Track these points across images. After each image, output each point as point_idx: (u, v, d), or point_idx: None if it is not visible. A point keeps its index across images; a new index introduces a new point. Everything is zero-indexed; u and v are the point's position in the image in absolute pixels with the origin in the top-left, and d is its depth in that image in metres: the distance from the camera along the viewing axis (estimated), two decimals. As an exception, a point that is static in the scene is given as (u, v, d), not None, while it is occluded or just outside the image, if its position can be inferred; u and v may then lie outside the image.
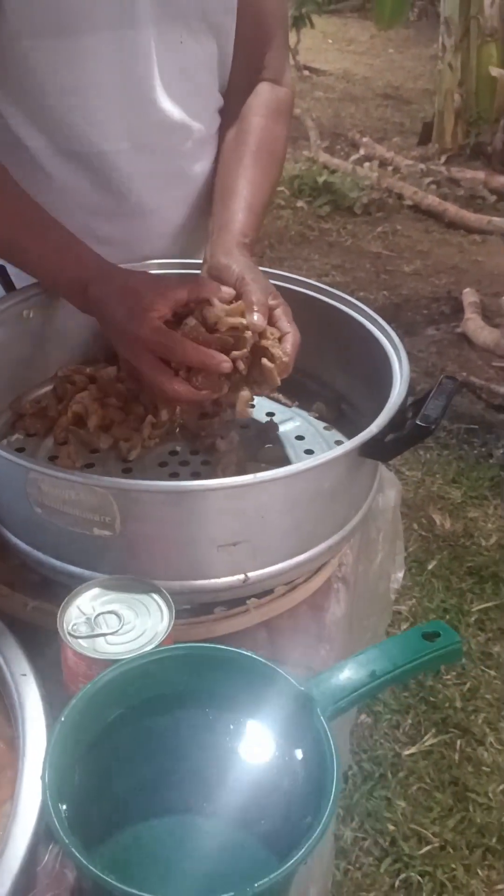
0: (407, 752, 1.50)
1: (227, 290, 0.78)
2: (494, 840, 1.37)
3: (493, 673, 1.67)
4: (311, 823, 0.44)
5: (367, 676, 0.52)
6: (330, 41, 8.24)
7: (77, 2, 0.81)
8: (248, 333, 0.75)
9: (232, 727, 0.52)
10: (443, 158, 4.95)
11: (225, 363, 0.73)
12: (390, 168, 4.79)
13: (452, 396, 0.72)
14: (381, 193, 4.38)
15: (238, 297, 0.78)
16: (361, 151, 5.00)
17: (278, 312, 0.79)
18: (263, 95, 0.96)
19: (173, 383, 0.73)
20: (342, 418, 0.91)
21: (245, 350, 0.75)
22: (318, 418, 0.91)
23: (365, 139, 5.20)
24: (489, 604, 1.83)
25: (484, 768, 1.48)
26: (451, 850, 1.35)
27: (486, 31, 4.81)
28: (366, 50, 8.22)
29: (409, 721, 1.56)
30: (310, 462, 0.65)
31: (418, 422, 0.67)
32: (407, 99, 6.79)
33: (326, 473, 0.68)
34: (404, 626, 1.77)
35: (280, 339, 0.77)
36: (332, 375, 0.94)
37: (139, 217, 0.96)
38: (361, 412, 0.87)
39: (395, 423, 0.71)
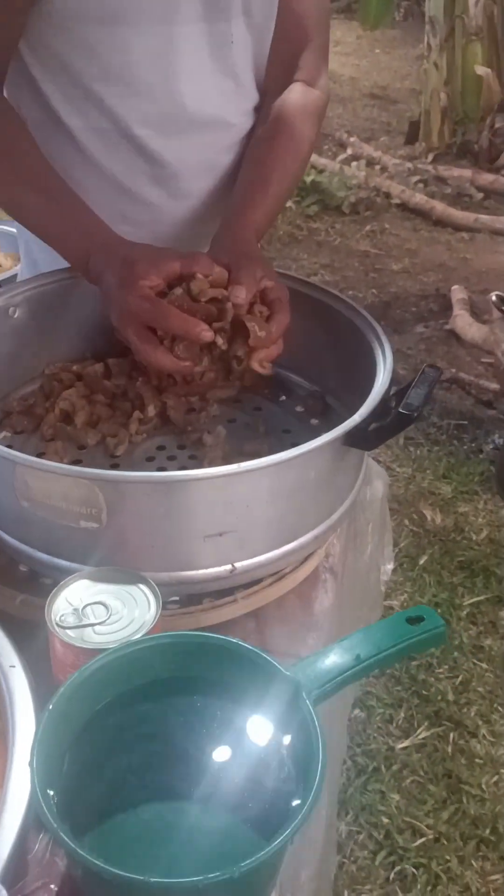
0: (400, 746, 1.51)
1: (219, 269, 0.79)
2: (488, 831, 1.37)
3: (484, 666, 1.68)
4: (297, 805, 0.45)
5: (352, 660, 0.53)
6: (316, 42, 8.24)
7: None
8: (229, 305, 0.76)
9: (219, 713, 0.53)
10: (430, 157, 4.97)
11: (206, 332, 0.75)
12: (378, 167, 4.81)
13: (434, 384, 0.72)
14: (369, 192, 4.39)
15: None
16: (349, 151, 5.01)
17: (272, 294, 0.80)
18: (295, 95, 0.97)
19: (157, 352, 0.76)
20: (329, 412, 0.91)
21: (224, 322, 0.77)
22: (304, 412, 0.91)
23: (352, 139, 5.22)
24: (480, 597, 1.84)
25: (477, 760, 1.49)
26: (445, 842, 1.36)
27: (471, 30, 4.83)
28: (352, 51, 8.24)
29: (402, 715, 1.57)
30: (294, 451, 0.66)
31: (401, 410, 0.68)
32: (394, 99, 6.82)
33: (311, 462, 0.68)
34: (396, 620, 1.77)
35: (267, 319, 0.78)
36: (318, 369, 0.94)
37: (168, 203, 0.98)
38: (348, 405, 0.87)
39: (379, 412, 0.71)
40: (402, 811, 1.40)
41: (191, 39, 0.88)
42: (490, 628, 1.78)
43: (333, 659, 0.53)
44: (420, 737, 1.53)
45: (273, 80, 0.97)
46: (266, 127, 0.96)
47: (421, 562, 1.95)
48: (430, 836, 1.36)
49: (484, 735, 1.54)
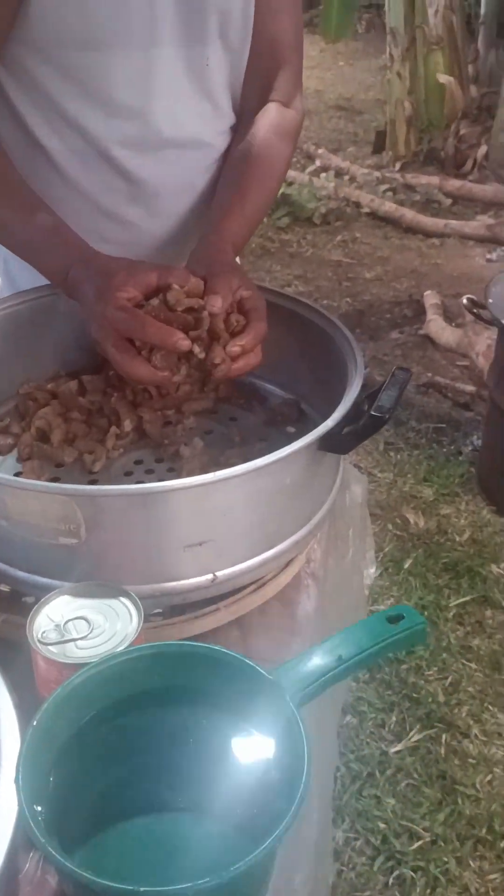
0: (394, 750, 1.51)
1: (195, 279, 0.80)
2: (484, 831, 1.38)
3: (473, 666, 1.69)
4: (284, 808, 0.45)
5: (334, 661, 0.53)
6: (280, 57, 8.32)
7: (101, 18, 0.84)
8: (205, 314, 0.77)
9: (204, 721, 0.53)
10: (397, 165, 5.03)
11: (182, 341, 0.75)
12: (347, 177, 4.86)
13: (405, 386, 0.73)
14: (339, 203, 4.44)
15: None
16: (317, 163, 5.06)
17: (249, 304, 0.81)
18: (270, 115, 0.98)
19: (135, 362, 0.76)
20: (304, 419, 0.92)
21: (201, 331, 0.77)
22: (280, 420, 0.92)
23: (320, 150, 5.27)
24: (466, 598, 1.85)
25: (470, 760, 1.49)
26: (442, 844, 1.36)
27: (431, 39, 4.91)
28: (316, 63, 8.33)
29: (394, 718, 1.57)
30: (269, 458, 0.66)
31: (373, 412, 0.69)
32: (359, 109, 6.90)
33: (286, 468, 0.69)
34: (384, 625, 1.78)
35: (244, 328, 0.80)
36: (293, 378, 0.95)
37: (146, 222, 0.99)
38: (323, 412, 0.87)
39: (352, 416, 0.72)
40: (399, 815, 1.40)
41: (168, 62, 0.90)
42: (477, 628, 1.79)
43: (316, 661, 0.53)
44: (413, 740, 1.53)
45: (249, 100, 0.99)
46: (242, 146, 0.98)
47: (406, 565, 1.96)
48: (427, 839, 1.36)
49: (476, 735, 1.54)
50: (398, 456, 2.41)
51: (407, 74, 4.94)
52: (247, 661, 0.52)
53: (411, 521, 2.12)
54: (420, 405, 2.66)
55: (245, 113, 1.00)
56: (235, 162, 0.98)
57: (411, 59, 4.93)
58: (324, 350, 0.87)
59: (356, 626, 0.56)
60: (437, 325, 2.96)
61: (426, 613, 1.81)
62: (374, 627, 0.56)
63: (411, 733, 1.54)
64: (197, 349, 0.78)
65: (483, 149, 4.90)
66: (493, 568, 1.94)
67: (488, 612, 1.82)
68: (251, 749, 0.51)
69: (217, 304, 0.77)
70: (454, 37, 5.00)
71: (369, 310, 3.41)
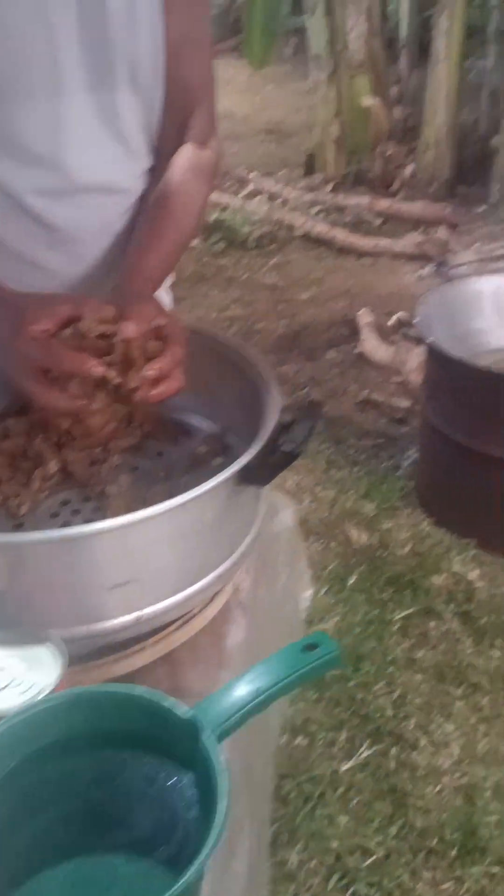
0: (344, 768, 1.53)
1: (109, 307, 0.80)
2: (435, 841, 1.40)
3: (419, 677, 1.72)
4: (201, 841, 0.46)
5: (253, 693, 0.55)
6: (210, 83, 8.44)
7: (2, 68, 0.84)
8: (118, 339, 0.78)
9: (127, 761, 0.54)
10: (328, 187, 5.14)
11: (95, 367, 0.76)
12: (279, 201, 4.94)
13: (318, 419, 0.76)
14: (272, 226, 4.51)
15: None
16: (250, 187, 5.14)
17: (166, 330, 0.82)
18: (186, 155, 1.00)
19: (51, 392, 0.78)
20: (230, 450, 0.94)
21: (114, 355, 0.78)
22: (207, 453, 0.94)
23: (252, 174, 5.35)
24: (410, 610, 1.89)
25: (419, 772, 1.52)
26: (395, 858, 1.38)
27: (354, 64, 5.05)
28: (245, 88, 8.47)
29: (344, 736, 1.59)
30: (188, 495, 0.68)
31: (283, 448, 0.71)
32: (289, 133, 7.03)
33: (206, 504, 0.71)
34: (331, 643, 1.80)
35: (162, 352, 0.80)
36: (217, 410, 0.97)
37: (65, 268, 0.99)
38: (248, 442, 0.90)
39: (269, 449, 0.74)
40: (351, 832, 1.42)
41: (77, 110, 0.91)
42: (422, 639, 1.82)
43: (234, 694, 0.55)
44: (363, 756, 1.55)
45: (166, 143, 1.01)
46: (159, 187, 0.99)
47: (350, 582, 1.99)
48: (381, 854, 1.38)
49: (424, 746, 1.57)
50: (339, 473, 2.45)
51: (332, 98, 5.07)
52: (161, 700, 0.53)
53: (354, 537, 2.15)
54: (359, 422, 2.71)
55: (163, 154, 1.02)
56: (152, 202, 1.00)
57: (336, 83, 5.05)
58: (243, 381, 0.89)
59: (273, 656, 0.58)
60: (371, 344, 3.02)
61: (372, 628, 1.85)
62: (290, 657, 0.58)
63: (361, 749, 1.56)
64: (111, 374, 0.78)
65: (410, 168, 5.04)
66: (435, 579, 1.98)
67: (432, 624, 1.86)
68: (172, 786, 0.52)
69: (130, 328, 0.78)
70: (376, 60, 5.15)
71: (305, 331, 3.46)
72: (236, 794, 0.67)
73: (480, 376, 1.90)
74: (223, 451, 0.94)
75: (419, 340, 2.03)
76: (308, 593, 1.17)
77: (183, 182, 0.99)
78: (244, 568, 0.83)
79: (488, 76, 5.76)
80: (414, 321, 2.00)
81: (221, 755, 0.50)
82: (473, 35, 7.28)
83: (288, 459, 0.72)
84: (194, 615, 0.75)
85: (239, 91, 8.43)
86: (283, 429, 0.77)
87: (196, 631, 0.75)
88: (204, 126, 1.02)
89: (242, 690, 0.55)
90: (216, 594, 0.77)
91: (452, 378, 2.00)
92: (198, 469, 0.90)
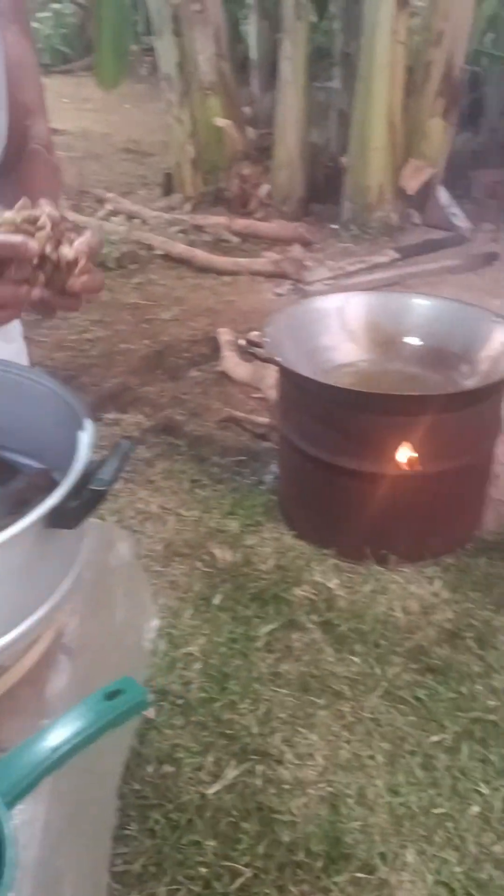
0: (212, 791, 1.53)
1: (23, 200, 0.80)
2: (302, 854, 1.42)
3: (284, 691, 1.75)
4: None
5: (50, 751, 0.54)
6: (65, 101, 8.34)
7: None
8: (45, 219, 0.77)
9: None
10: (187, 207, 5.18)
11: (31, 243, 0.75)
12: (138, 220, 4.93)
13: (128, 457, 0.75)
14: (132, 246, 4.49)
15: None
16: (108, 207, 5.10)
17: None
18: (36, 159, 1.04)
19: None
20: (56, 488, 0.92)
21: (45, 231, 0.77)
22: (33, 492, 0.91)
23: (110, 194, 5.32)
24: (274, 625, 1.92)
25: (285, 786, 1.54)
26: (263, 876, 1.38)
27: (204, 85, 5.12)
28: (102, 107, 8.41)
29: (211, 759, 1.59)
30: (-11, 544, 0.66)
31: (92, 486, 0.70)
32: (147, 152, 7.04)
33: (13, 551, 0.69)
34: (196, 665, 1.80)
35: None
36: (41, 448, 0.95)
37: None
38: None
39: (79, 489, 0.73)
40: (220, 856, 1.42)
41: None
42: (286, 653, 1.85)
43: (30, 753, 0.53)
44: (229, 777, 1.55)
45: (12, 152, 1.05)
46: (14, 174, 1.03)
47: (215, 601, 1.99)
48: (249, 874, 1.39)
49: (290, 760, 1.59)
50: (204, 492, 2.45)
51: (186, 118, 5.11)
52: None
53: (218, 555, 2.16)
54: (221, 440, 2.74)
55: (8, 163, 1.05)
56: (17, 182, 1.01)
57: (188, 104, 5.11)
58: (59, 420, 0.87)
59: (75, 708, 0.57)
60: (231, 361, 3.06)
61: (237, 646, 1.86)
62: (93, 707, 0.57)
63: (227, 770, 1.56)
64: (49, 247, 0.76)
65: (265, 188, 5.16)
66: (297, 591, 2.02)
67: (295, 636, 1.90)
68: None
69: (51, 207, 0.77)
70: (226, 81, 5.24)
71: (168, 350, 3.47)
72: (56, 845, 0.66)
73: (327, 392, 1.97)
74: (50, 489, 0.92)
75: (266, 361, 2.07)
76: (153, 624, 1.16)
77: (40, 185, 1.01)
78: (68, 610, 0.81)
79: (336, 98, 6.00)
80: (263, 341, 2.04)
81: (10, 823, 0.48)
82: (323, 58, 7.57)
83: (96, 499, 0.71)
84: (9, 667, 0.72)
85: (95, 110, 8.37)
86: (93, 467, 0.76)
87: (14, 681, 0.72)
88: (43, 131, 1.09)
89: (38, 749, 0.54)
90: (35, 640, 0.75)
91: (302, 394, 2.05)
92: (23, 510, 0.88)
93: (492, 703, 1.71)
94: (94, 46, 4.82)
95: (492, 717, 1.67)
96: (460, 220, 5.00)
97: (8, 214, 0.78)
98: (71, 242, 0.79)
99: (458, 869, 1.40)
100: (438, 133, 4.99)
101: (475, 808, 1.50)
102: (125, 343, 3.52)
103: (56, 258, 0.78)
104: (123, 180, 6.05)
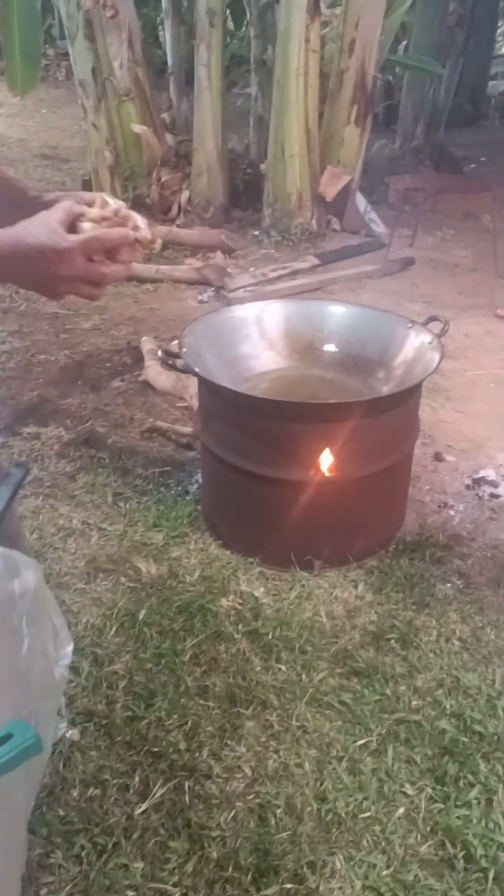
0: (139, 811, 1.50)
1: (90, 195, 1.02)
2: (232, 869, 1.41)
3: (211, 704, 1.73)
4: None
5: None
6: (-21, 106, 8.17)
7: None
8: (125, 211, 1.01)
9: None
10: (106, 213, 5.12)
11: (131, 231, 0.99)
12: (56, 228, 4.84)
13: (20, 484, 0.73)
14: (50, 254, 4.41)
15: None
16: (25, 214, 5.00)
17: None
18: None
19: (110, 268, 0.97)
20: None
21: (134, 217, 1.01)
22: None
23: (27, 201, 5.21)
24: (200, 637, 1.90)
25: (213, 801, 1.53)
26: (192, 895, 1.37)
27: (120, 91, 5.08)
28: (17, 112, 8.27)
29: (137, 779, 1.57)
30: None
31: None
32: (65, 158, 6.94)
33: None
34: (122, 683, 1.77)
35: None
36: None
37: None
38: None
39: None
40: (148, 877, 1.39)
41: None
42: (213, 665, 1.84)
43: None
44: (157, 795, 1.53)
45: None
46: None
47: (140, 616, 1.97)
48: (178, 894, 1.37)
49: (217, 773, 1.58)
50: (127, 505, 2.42)
51: (103, 124, 5.06)
52: None
53: (143, 569, 2.14)
54: (145, 451, 2.71)
55: None
56: None
57: (105, 110, 5.05)
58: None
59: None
60: (153, 371, 3.04)
61: (163, 661, 1.84)
62: (-19, 752, 0.55)
63: (155, 789, 1.54)
64: (145, 230, 1.01)
65: (185, 194, 5.15)
66: (223, 602, 2.01)
67: (222, 647, 1.89)
68: None
69: (118, 201, 1.01)
70: (142, 87, 5.21)
71: (89, 360, 3.42)
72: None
73: (245, 401, 1.97)
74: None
75: (183, 371, 2.06)
76: (69, 648, 1.13)
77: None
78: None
79: (254, 104, 6.04)
80: (182, 352, 2.03)
81: None
82: (240, 65, 7.62)
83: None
84: None
85: (11, 114, 8.22)
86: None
87: None
88: None
89: None
90: None
91: (221, 404, 2.05)
92: None
93: (415, 703, 1.74)
94: (4, 51, 4.72)
95: (415, 717, 1.69)
96: (378, 226, 5.10)
97: (94, 211, 0.99)
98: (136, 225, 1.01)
99: (385, 872, 1.41)
100: (354, 140, 5.08)
101: (401, 810, 1.52)
102: (44, 354, 3.45)
103: (143, 238, 1.01)
104: (41, 186, 5.94)
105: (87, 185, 5.38)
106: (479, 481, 2.57)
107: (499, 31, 12.84)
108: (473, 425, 2.95)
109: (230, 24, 7.57)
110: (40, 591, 1.02)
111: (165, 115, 6.20)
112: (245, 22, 6.04)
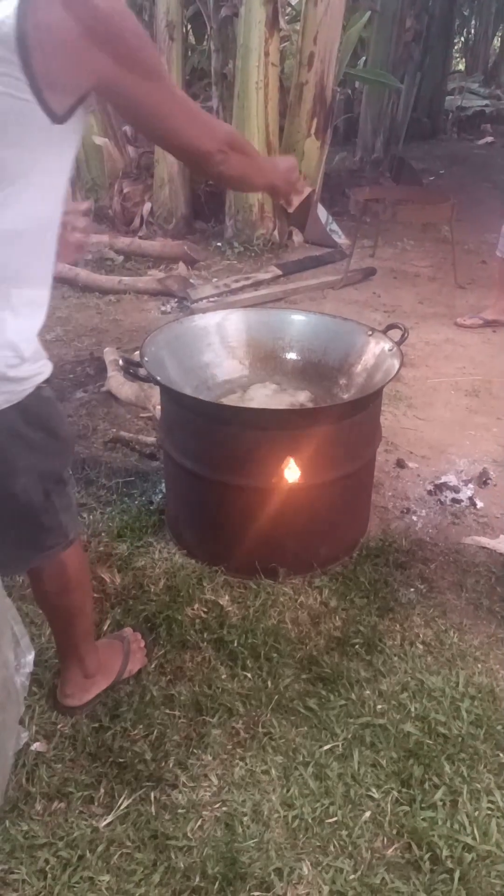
0: (104, 823, 1.49)
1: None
2: (198, 878, 1.40)
3: (177, 713, 1.73)
4: None
5: None
6: None
7: None
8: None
9: None
10: (68, 225, 5.10)
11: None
12: (17, 239, 4.82)
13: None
14: (12, 265, 4.38)
15: None
16: (-15, 226, 4.96)
17: None
18: None
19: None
20: None
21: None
22: None
23: (-13, 213, 5.18)
24: (165, 647, 1.89)
25: (180, 811, 1.52)
26: (159, 906, 1.36)
27: (82, 104, 5.07)
28: (-22, 125, 8.22)
29: (103, 791, 1.55)
30: None
31: None
32: (26, 170, 6.89)
33: None
34: (86, 695, 1.76)
35: None
36: None
37: None
38: None
39: None
40: (114, 890, 1.38)
41: None
42: (178, 674, 1.83)
43: None
44: (122, 807, 1.52)
45: None
46: None
47: (105, 627, 1.95)
48: (144, 906, 1.36)
49: (184, 783, 1.57)
50: (91, 516, 2.41)
51: (64, 137, 5.04)
52: None
53: (108, 580, 2.12)
54: (108, 461, 2.70)
55: None
56: None
57: (66, 123, 5.04)
58: None
59: None
60: (116, 381, 3.03)
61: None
62: None
63: (121, 800, 1.53)
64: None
65: (147, 206, 5.16)
66: (188, 611, 2.00)
67: (187, 656, 1.88)
68: None
69: None
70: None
71: (52, 371, 3.38)
72: None
73: (206, 409, 1.97)
74: None
75: (144, 380, 2.06)
76: (30, 657, 1.12)
77: None
78: None
79: (215, 116, 6.08)
80: (143, 361, 2.03)
81: None
82: (202, 78, 7.67)
83: None
84: None
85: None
86: None
87: None
88: None
89: None
90: None
91: (183, 412, 2.05)
92: None
93: (380, 706, 1.74)
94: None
95: (380, 721, 1.70)
96: (339, 237, 5.16)
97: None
98: None
99: (352, 876, 1.42)
100: (314, 152, 5.14)
101: (367, 814, 1.52)
102: (6, 366, 3.41)
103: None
104: (2, 199, 5.89)
105: (48, 197, 5.36)
106: (440, 487, 2.60)
107: (455, 47, 13.14)
108: (435, 432, 2.99)
109: (191, 39, 7.62)
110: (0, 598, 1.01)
111: (127, 128, 6.21)
112: (206, 36, 6.09)
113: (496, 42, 14.45)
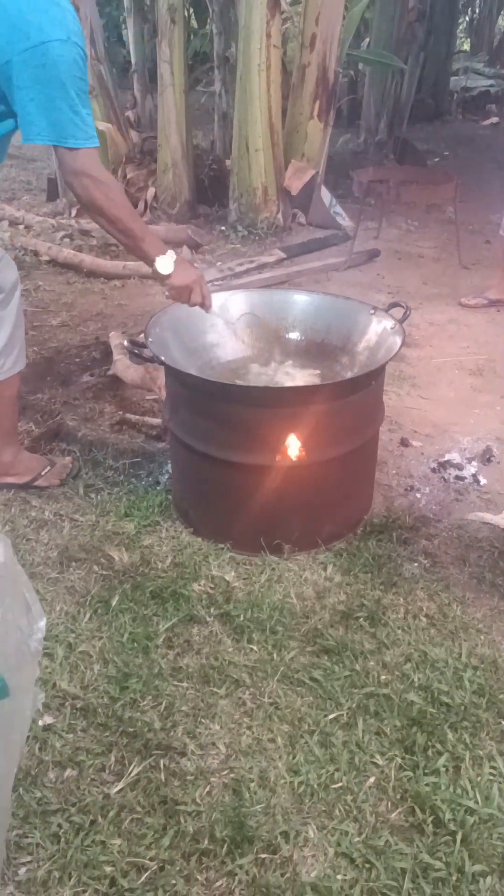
0: (115, 790, 1.53)
1: None
2: (207, 841, 1.44)
3: (185, 685, 1.76)
4: None
5: None
6: None
7: None
8: None
9: None
10: (73, 212, 5.12)
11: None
12: (22, 226, 4.84)
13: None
14: (17, 252, 4.41)
15: None
16: (-10, 213, 4.98)
17: None
18: None
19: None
20: None
21: None
22: None
23: (-8, 200, 5.19)
24: (173, 620, 1.93)
25: (188, 777, 1.56)
26: (169, 868, 1.40)
27: (84, 89, 5.07)
28: (-19, 112, 8.23)
29: (113, 759, 1.59)
30: None
31: None
32: (30, 157, 6.91)
33: None
34: (96, 667, 1.80)
35: None
36: None
37: None
38: None
39: None
40: (125, 853, 1.42)
41: None
42: (186, 647, 1.87)
43: None
44: (133, 774, 1.56)
45: None
46: None
47: (114, 603, 1.99)
48: (155, 867, 1.40)
49: (192, 751, 1.61)
50: (99, 496, 2.44)
51: (67, 123, 5.05)
52: None
53: (116, 558, 2.16)
54: (115, 443, 2.73)
55: None
56: None
57: (69, 108, 5.04)
58: None
59: None
60: (122, 364, 3.05)
61: (136, 645, 1.86)
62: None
63: (131, 768, 1.57)
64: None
65: (151, 191, 5.17)
66: (195, 586, 2.04)
67: (195, 630, 1.92)
68: None
69: None
70: (105, 85, 5.21)
71: (58, 356, 3.42)
72: None
73: (210, 388, 2.00)
74: None
75: (150, 361, 2.08)
76: (42, 622, 1.16)
77: None
78: None
79: (218, 100, 6.07)
80: (148, 342, 2.05)
81: None
82: (204, 62, 7.63)
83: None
84: None
85: (-26, 114, 8.17)
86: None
87: None
88: None
89: None
90: None
91: (188, 392, 2.07)
92: None
93: (384, 677, 1.78)
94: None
95: (384, 690, 1.74)
96: (343, 219, 5.15)
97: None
98: None
99: (357, 839, 1.45)
100: (317, 134, 5.13)
101: (372, 779, 1.56)
102: (13, 351, 3.44)
103: None
104: (6, 186, 5.91)
105: (52, 185, 5.38)
106: (444, 464, 2.62)
107: (459, 27, 13.01)
108: (438, 411, 3.01)
109: (193, 22, 7.59)
110: (10, 565, 1.04)
111: (130, 113, 6.20)
112: (207, 19, 6.06)
113: (501, 21, 14.30)
